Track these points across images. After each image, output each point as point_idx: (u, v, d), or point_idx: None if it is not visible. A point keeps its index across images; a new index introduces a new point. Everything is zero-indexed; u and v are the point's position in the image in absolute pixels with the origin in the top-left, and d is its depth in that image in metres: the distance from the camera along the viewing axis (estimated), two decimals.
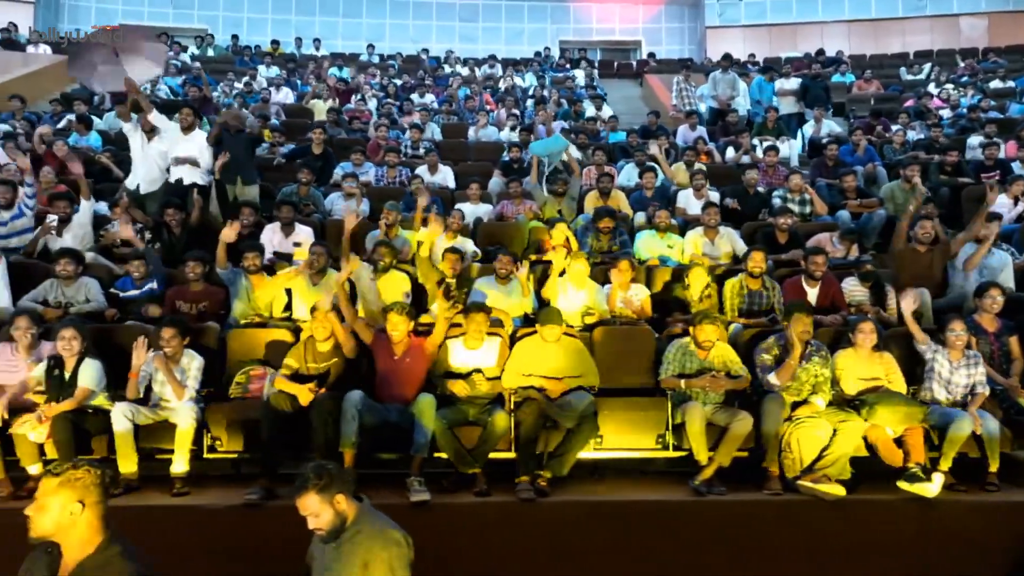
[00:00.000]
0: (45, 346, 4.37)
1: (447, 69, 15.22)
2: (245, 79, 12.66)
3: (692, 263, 5.50)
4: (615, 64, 17.69)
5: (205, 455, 4.32)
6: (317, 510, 2.45)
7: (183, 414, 4.07)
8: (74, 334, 4.18)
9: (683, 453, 4.40)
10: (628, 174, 8.43)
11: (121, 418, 4.00)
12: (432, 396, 4.08)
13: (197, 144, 6.82)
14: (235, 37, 16.29)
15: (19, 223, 6.05)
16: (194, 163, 6.75)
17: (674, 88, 11.75)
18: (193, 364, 4.31)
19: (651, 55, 16.80)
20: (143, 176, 6.82)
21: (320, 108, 10.96)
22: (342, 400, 3.99)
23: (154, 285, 5.41)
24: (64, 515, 2.11)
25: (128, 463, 4.02)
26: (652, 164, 7.97)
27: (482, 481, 4.02)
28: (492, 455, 4.15)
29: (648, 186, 7.44)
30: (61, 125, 9.83)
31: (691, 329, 4.46)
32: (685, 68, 12.19)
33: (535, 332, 4.52)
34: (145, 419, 4.12)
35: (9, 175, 7.01)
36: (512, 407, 4.32)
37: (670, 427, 4.39)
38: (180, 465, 4.06)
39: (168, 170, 6.86)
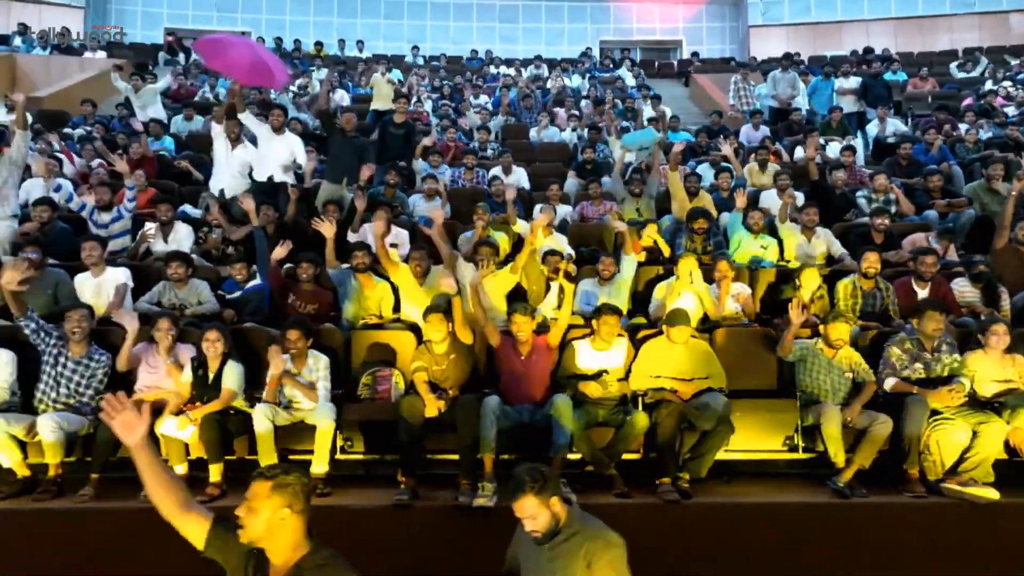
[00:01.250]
0: (181, 348, 4.42)
1: (492, 70, 15.26)
2: (299, 81, 12.74)
3: (803, 264, 5.46)
4: (656, 64, 17.65)
5: (337, 456, 4.35)
6: (535, 512, 2.46)
7: (322, 415, 4.11)
8: (218, 336, 4.23)
9: (811, 455, 4.39)
10: (702, 174, 8.39)
11: (263, 419, 4.04)
12: (568, 397, 4.08)
13: (288, 144, 6.88)
14: (279, 40, 16.41)
15: (118, 225, 6.14)
16: (287, 164, 6.82)
17: (731, 87, 11.70)
18: (320, 363, 4.35)
19: (695, 54, 16.74)
20: (226, 181, 6.87)
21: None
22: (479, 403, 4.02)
23: (258, 283, 5.47)
24: (275, 519, 2.11)
25: (216, 468, 4.05)
26: (727, 164, 7.94)
27: (620, 483, 4.02)
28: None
29: (724, 187, 7.41)
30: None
31: (822, 328, 4.45)
32: (742, 67, 12.12)
33: (660, 333, 4.54)
34: (283, 420, 4.16)
35: (100, 178, 7.11)
36: (640, 408, 4.33)
37: (799, 429, 4.37)
38: (321, 466, 4.10)
39: (251, 172, 6.93)
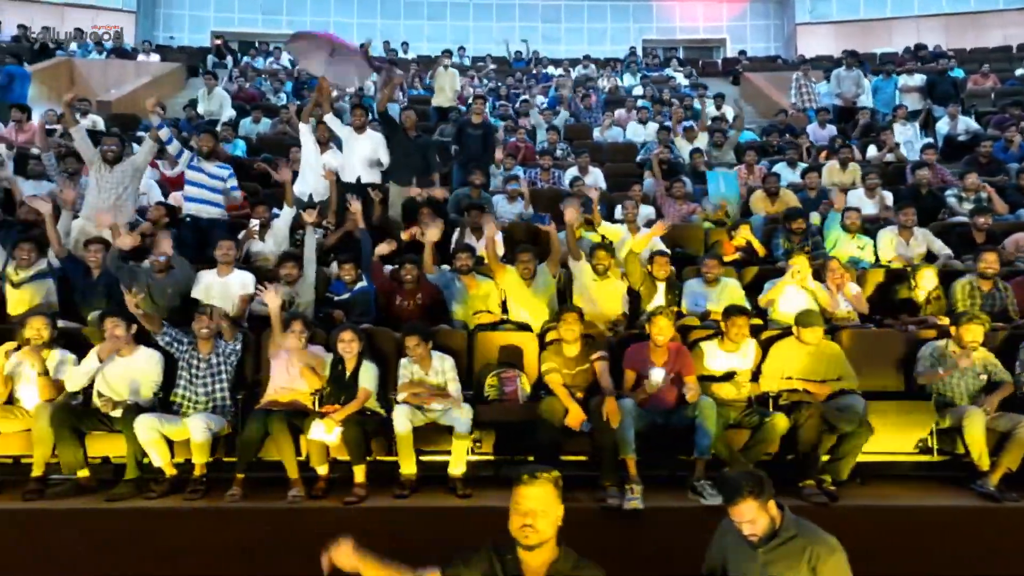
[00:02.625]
0: (312, 349, 4.45)
1: (539, 70, 15.24)
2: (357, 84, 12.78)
3: (919, 264, 5.40)
4: (700, 62, 17.54)
5: (469, 457, 4.36)
6: (754, 516, 2.45)
7: (460, 416, 4.12)
8: (352, 336, 4.26)
9: (945, 457, 4.34)
10: (780, 173, 8.33)
11: (403, 420, 4.06)
12: (711, 399, 4.06)
13: (372, 142, 6.91)
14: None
15: (224, 171, 6.23)
16: (372, 161, 6.86)
17: (793, 86, 11.60)
18: (446, 364, 4.36)
19: (742, 52, 16.61)
20: (313, 184, 6.89)
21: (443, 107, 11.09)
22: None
23: (364, 284, 5.50)
24: (557, 521, 2.19)
25: (409, 464, 4.09)
26: (816, 164, 7.87)
27: None
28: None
29: (812, 186, 7.34)
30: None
31: (953, 330, 4.39)
32: (803, 65, 12.01)
33: (787, 335, 4.51)
34: (419, 421, 4.18)
35: None
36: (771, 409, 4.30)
37: (934, 432, 4.32)
38: (459, 467, 4.11)
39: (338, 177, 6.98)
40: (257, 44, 17.53)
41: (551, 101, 12.47)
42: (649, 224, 6.96)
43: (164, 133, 6.04)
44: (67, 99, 6.11)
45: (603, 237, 6.27)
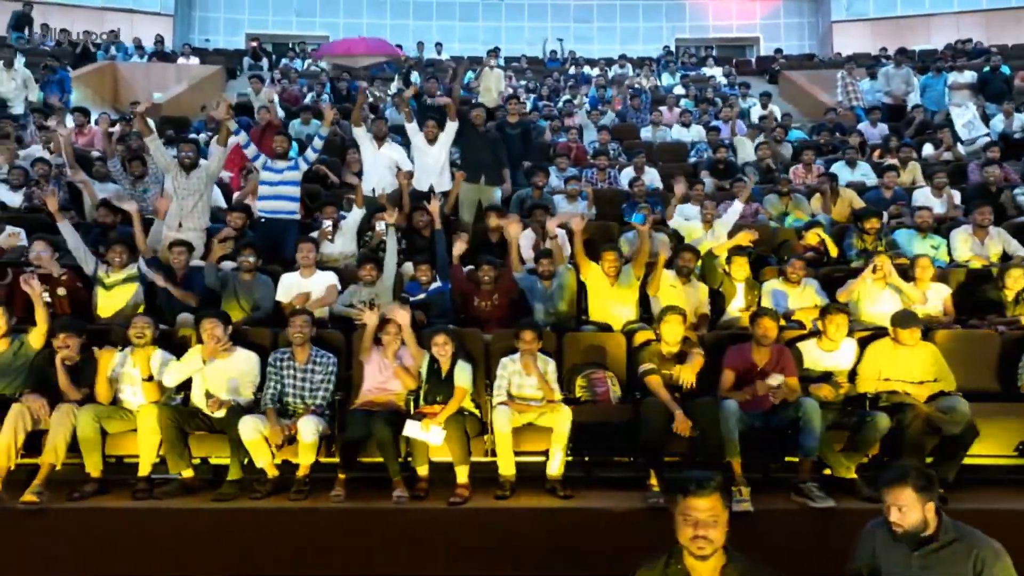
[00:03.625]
0: (403, 350, 4.47)
1: (574, 70, 15.23)
2: (397, 83, 12.85)
3: (1009, 264, 5.33)
4: (733, 61, 17.43)
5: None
6: (908, 506, 2.43)
7: (561, 416, 4.11)
8: (446, 339, 4.28)
9: None
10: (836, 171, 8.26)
11: (505, 420, 4.06)
12: (815, 401, 4.03)
13: (444, 150, 6.95)
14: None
15: (291, 174, 6.24)
16: (441, 171, 6.90)
17: (839, 84, 11.48)
18: (549, 367, 4.37)
19: (778, 51, 16.49)
20: (376, 181, 6.93)
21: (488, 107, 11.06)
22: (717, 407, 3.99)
23: (440, 285, 5.51)
24: (725, 528, 2.19)
25: (508, 465, 4.09)
26: (892, 163, 7.79)
27: (863, 486, 3.95)
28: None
29: (890, 185, 7.26)
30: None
31: None
32: (849, 62, 11.91)
33: (881, 335, 4.47)
34: (518, 421, 4.18)
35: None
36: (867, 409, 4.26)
37: None
38: (558, 468, 4.11)
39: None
40: (292, 46, 17.68)
41: (592, 101, 12.47)
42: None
43: (242, 138, 6.12)
44: (141, 110, 6.19)
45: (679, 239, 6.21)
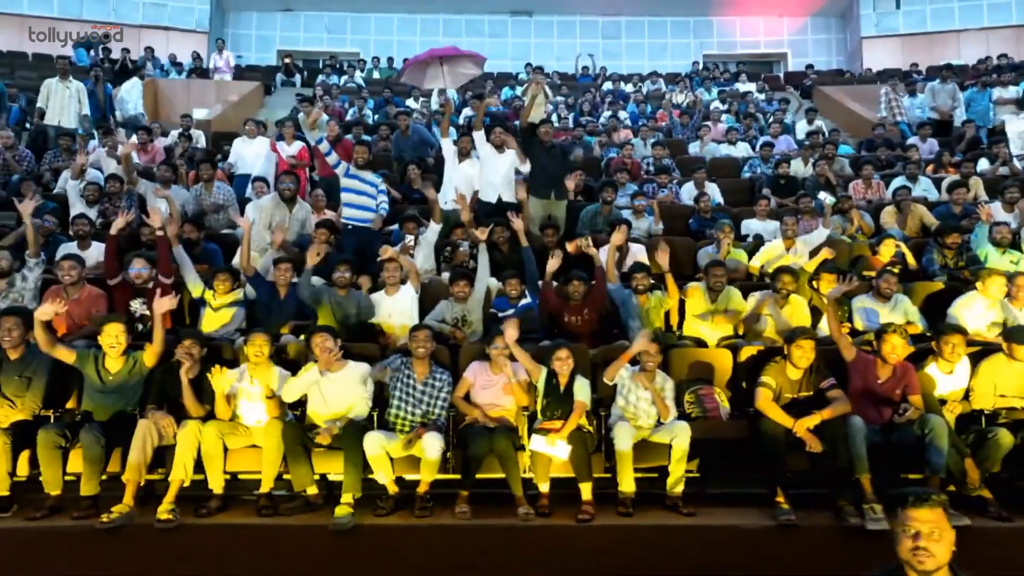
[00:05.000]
0: (515, 366, 4.46)
1: (610, 85, 15.31)
2: (438, 99, 12.93)
3: None
4: (761, 76, 17.53)
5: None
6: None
7: (679, 432, 4.10)
8: (568, 354, 4.28)
9: None
10: (896, 186, 8.27)
11: (626, 437, 4.05)
12: (943, 419, 4.01)
13: (512, 161, 6.98)
14: (406, 60, 16.69)
15: (376, 179, 6.40)
16: (508, 182, 6.93)
17: (882, 99, 11.54)
18: (667, 384, 4.37)
19: (809, 66, 16.56)
20: (452, 197, 6.95)
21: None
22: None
23: (528, 301, 5.52)
24: (950, 546, 2.15)
25: (628, 482, 4.06)
26: (954, 178, 7.80)
27: (995, 503, 3.92)
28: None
29: (958, 201, 7.26)
30: (292, 149, 10.15)
31: None
32: (893, 78, 11.97)
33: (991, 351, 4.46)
34: (635, 437, 4.17)
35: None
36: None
37: None
38: (678, 484, 4.10)
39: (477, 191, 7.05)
40: (322, 63, 17.83)
41: (633, 116, 12.53)
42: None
43: (324, 146, 6.20)
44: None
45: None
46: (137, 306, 4.98)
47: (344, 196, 6.28)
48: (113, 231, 4.97)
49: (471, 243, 6.31)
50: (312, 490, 4.05)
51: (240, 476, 4.29)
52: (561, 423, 4.10)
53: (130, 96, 11.02)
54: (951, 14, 16.95)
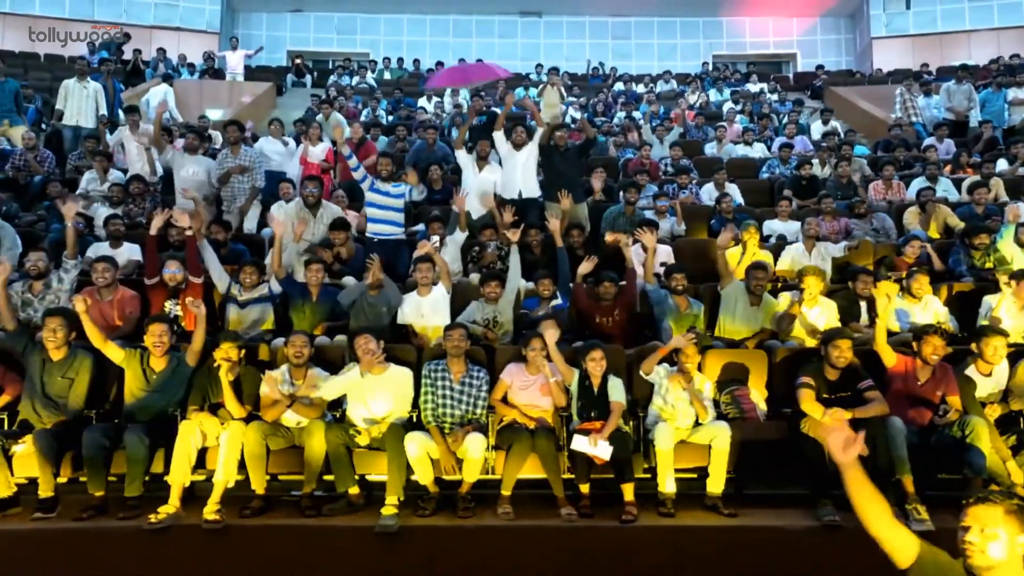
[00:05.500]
0: (551, 366, 4.46)
1: (621, 86, 15.32)
2: (452, 100, 12.96)
3: None
4: (771, 77, 17.54)
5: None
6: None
7: (720, 432, 4.11)
8: (602, 354, 4.29)
9: None
10: (917, 187, 8.28)
11: (667, 437, 4.06)
12: (984, 420, 4.02)
13: (532, 157, 7.03)
14: (416, 61, 16.75)
15: (399, 189, 6.33)
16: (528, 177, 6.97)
17: (897, 100, 11.53)
18: (706, 385, 4.38)
19: (819, 67, 16.56)
20: (473, 203, 6.91)
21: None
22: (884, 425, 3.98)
23: (560, 301, 5.53)
24: (1012, 548, 2.11)
25: (668, 482, 4.08)
26: (975, 179, 7.81)
27: None
28: None
29: (980, 201, 7.26)
30: (318, 151, 10.13)
31: None
32: (908, 79, 11.97)
33: None
34: (675, 438, 4.18)
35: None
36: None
37: None
38: (719, 485, 4.11)
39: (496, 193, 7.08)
40: (332, 63, 17.86)
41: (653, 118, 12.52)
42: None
43: (353, 161, 6.23)
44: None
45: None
46: (171, 307, 4.98)
47: (369, 211, 6.28)
48: (152, 231, 4.98)
49: (499, 244, 6.34)
50: (354, 491, 4.06)
51: (280, 477, 4.29)
52: (601, 423, 4.11)
53: (156, 100, 11.00)
54: (961, 14, 16.94)
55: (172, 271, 5.00)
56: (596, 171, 8.09)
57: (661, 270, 5.96)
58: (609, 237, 5.69)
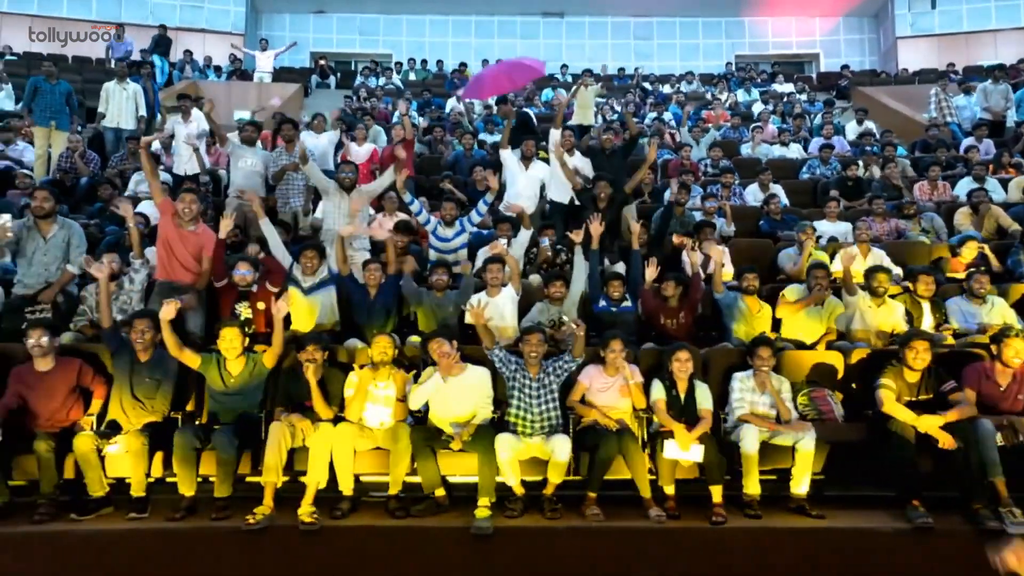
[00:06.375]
0: (632, 367, 4.47)
1: (649, 86, 15.31)
2: (478, 103, 12.96)
3: None
4: (794, 77, 17.51)
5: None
6: None
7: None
8: (688, 356, 4.29)
9: None
10: (964, 187, 8.27)
11: (754, 439, 4.06)
12: None
13: (583, 163, 7.03)
14: (440, 63, 16.77)
15: (459, 240, 6.28)
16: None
17: (932, 100, 11.50)
18: (784, 385, 4.38)
19: (844, 67, 16.52)
20: (525, 203, 6.92)
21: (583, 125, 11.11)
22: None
23: (629, 304, 5.52)
24: None
25: (754, 483, 4.07)
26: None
27: None
28: None
29: None
30: (363, 151, 10.08)
31: None
32: (943, 79, 11.93)
33: None
34: (763, 439, 4.18)
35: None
36: None
37: None
38: (804, 486, 4.10)
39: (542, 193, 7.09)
40: (355, 64, 17.91)
41: (677, 118, 12.51)
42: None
43: (415, 206, 6.25)
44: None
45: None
46: (242, 309, 5.00)
47: (432, 254, 6.21)
48: (222, 235, 4.98)
49: (552, 242, 6.34)
50: (440, 492, 4.07)
51: (362, 478, 4.30)
52: (684, 426, 4.12)
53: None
54: (987, 13, 16.87)
55: (243, 272, 5.01)
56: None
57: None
58: (676, 240, 5.67)
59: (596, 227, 5.72)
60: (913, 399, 4.24)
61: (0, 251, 4.95)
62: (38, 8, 16.66)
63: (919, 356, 4.18)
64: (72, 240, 5.09)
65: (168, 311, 4.16)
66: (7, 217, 4.76)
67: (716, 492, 4.01)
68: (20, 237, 4.94)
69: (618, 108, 12.34)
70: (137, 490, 3.90)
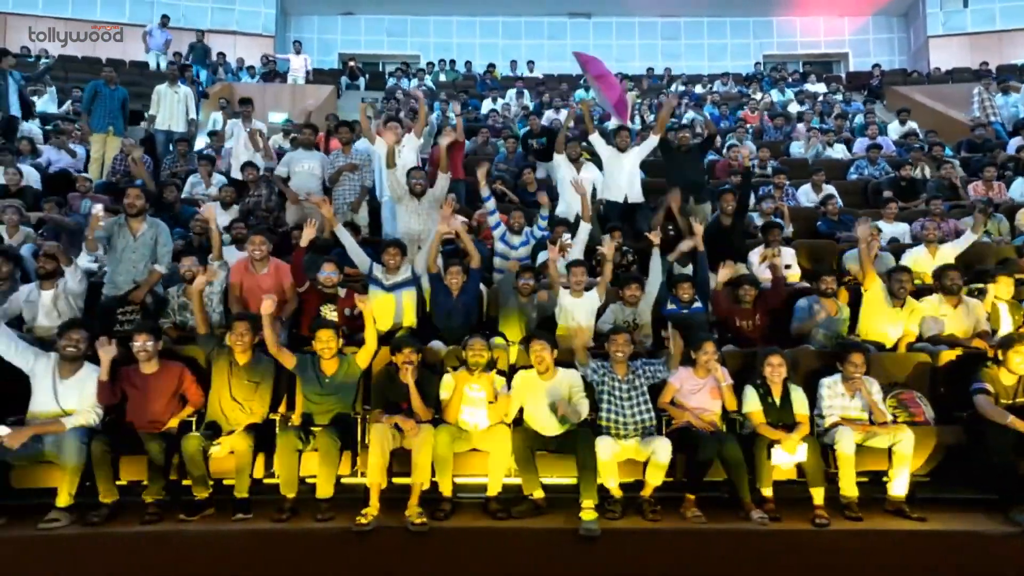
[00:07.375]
0: (724, 370, 4.46)
1: (682, 87, 15.27)
2: (514, 105, 12.99)
3: None
4: (823, 76, 17.43)
5: None
6: None
7: (902, 436, 4.09)
8: (780, 361, 4.28)
9: None
10: (1019, 188, 8.22)
11: (850, 441, 4.06)
12: None
13: (634, 162, 7.06)
14: (468, 63, 16.79)
15: (524, 250, 6.29)
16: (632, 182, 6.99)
17: (975, 99, 11.44)
18: (874, 388, 4.37)
19: (876, 66, 16.41)
20: (577, 206, 6.92)
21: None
22: None
23: (699, 305, 5.51)
24: None
25: (851, 485, 4.05)
26: None
27: None
28: None
29: None
30: None
31: None
32: (985, 78, 11.86)
33: None
34: (858, 441, 4.16)
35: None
36: None
37: None
38: (902, 488, 4.09)
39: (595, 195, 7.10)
40: (382, 65, 17.96)
41: (715, 118, 12.46)
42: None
43: (491, 204, 6.28)
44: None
45: None
46: (327, 311, 5.02)
47: (495, 260, 6.23)
48: (304, 242, 4.97)
49: (620, 244, 6.32)
50: (539, 493, 4.08)
51: (456, 480, 4.31)
52: (784, 432, 4.12)
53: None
54: (1021, 12, 16.74)
55: (327, 273, 5.04)
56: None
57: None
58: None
59: (699, 228, 5.70)
60: (1010, 402, 4.22)
61: (93, 244, 5.00)
62: (72, 11, 16.77)
63: (1020, 361, 4.16)
64: (160, 239, 5.15)
65: (268, 306, 4.18)
66: (100, 207, 4.81)
67: (817, 494, 4.00)
68: (111, 233, 5.00)
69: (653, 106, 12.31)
70: (241, 491, 3.93)
